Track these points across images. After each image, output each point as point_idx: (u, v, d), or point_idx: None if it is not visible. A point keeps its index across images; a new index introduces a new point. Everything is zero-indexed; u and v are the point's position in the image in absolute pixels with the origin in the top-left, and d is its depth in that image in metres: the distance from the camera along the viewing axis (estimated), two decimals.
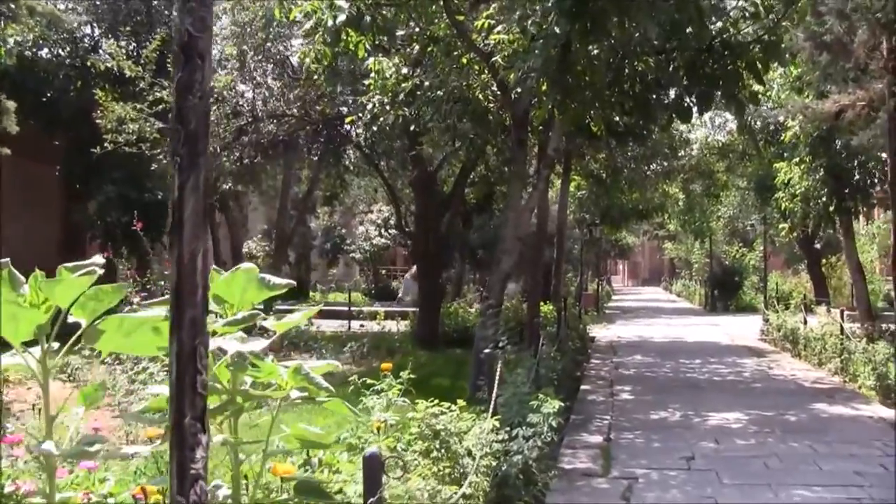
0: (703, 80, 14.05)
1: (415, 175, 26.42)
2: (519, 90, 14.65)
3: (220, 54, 23.87)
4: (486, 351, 9.83)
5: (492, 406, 8.96)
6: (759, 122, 41.73)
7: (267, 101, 24.90)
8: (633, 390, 18.53)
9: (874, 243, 45.27)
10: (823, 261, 42.78)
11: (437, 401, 8.75)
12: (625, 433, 13.64)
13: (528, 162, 19.58)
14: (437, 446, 7.70)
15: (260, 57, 24.02)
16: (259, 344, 4.60)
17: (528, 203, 16.35)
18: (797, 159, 27.83)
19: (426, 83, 15.80)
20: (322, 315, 33.14)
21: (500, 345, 12.99)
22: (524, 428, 9.24)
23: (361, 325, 31.03)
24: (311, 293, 50.56)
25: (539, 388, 11.96)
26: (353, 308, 34.45)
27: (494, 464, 8.26)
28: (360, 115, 18.62)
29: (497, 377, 9.39)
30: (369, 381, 9.17)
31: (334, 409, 5.33)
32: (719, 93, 14.39)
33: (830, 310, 28.83)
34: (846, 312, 24.12)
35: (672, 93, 15.44)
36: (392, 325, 29.37)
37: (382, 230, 50.79)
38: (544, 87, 13.74)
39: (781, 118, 37.57)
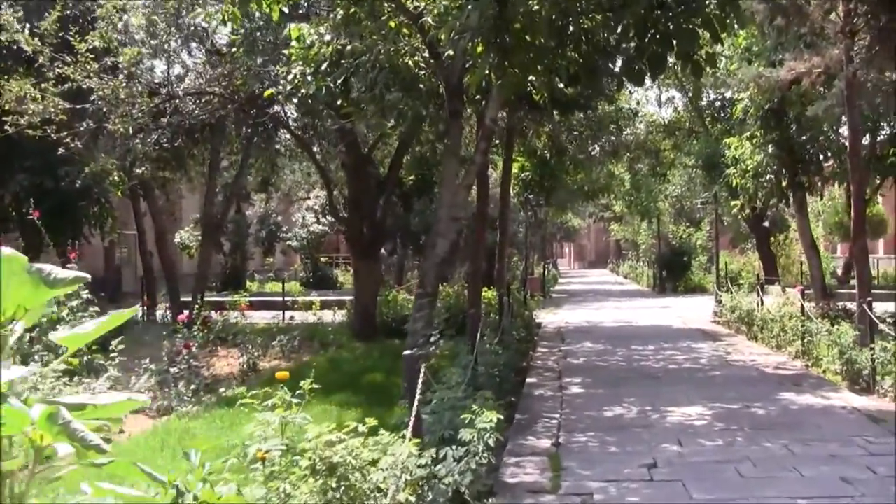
0: (656, 39, 12.54)
1: (347, 156, 24.88)
2: (451, 53, 13.18)
3: (124, 24, 22.07)
4: (407, 353, 8.17)
5: (412, 421, 7.36)
6: (706, 98, 41.07)
7: (183, 77, 23.22)
8: (583, 383, 17.00)
9: (818, 220, 44.65)
10: (772, 239, 41.69)
11: (348, 424, 7.03)
12: (576, 435, 12.07)
13: (465, 136, 18.21)
14: (335, 484, 6.06)
15: (173, 28, 22.24)
16: (14, 372, 2.91)
17: (465, 180, 14.80)
18: (748, 134, 26.60)
19: (348, 48, 14.20)
20: (256, 306, 31.77)
21: (432, 339, 11.48)
22: (454, 448, 7.66)
23: (291, 318, 29.48)
24: (247, 283, 48.92)
25: (477, 388, 10.50)
26: (287, 298, 32.83)
27: (413, 500, 6.63)
28: (280, 88, 17.00)
29: (419, 385, 7.77)
30: (263, 391, 7.34)
31: (121, 475, 3.61)
32: (673, 54, 12.88)
33: (785, 289, 27.67)
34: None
35: (622, 54, 13.91)
36: (329, 316, 27.95)
37: (320, 216, 49.15)
38: (480, 49, 12.22)
39: (730, 93, 36.97)
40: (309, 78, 14.97)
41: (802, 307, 20.01)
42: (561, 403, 14.62)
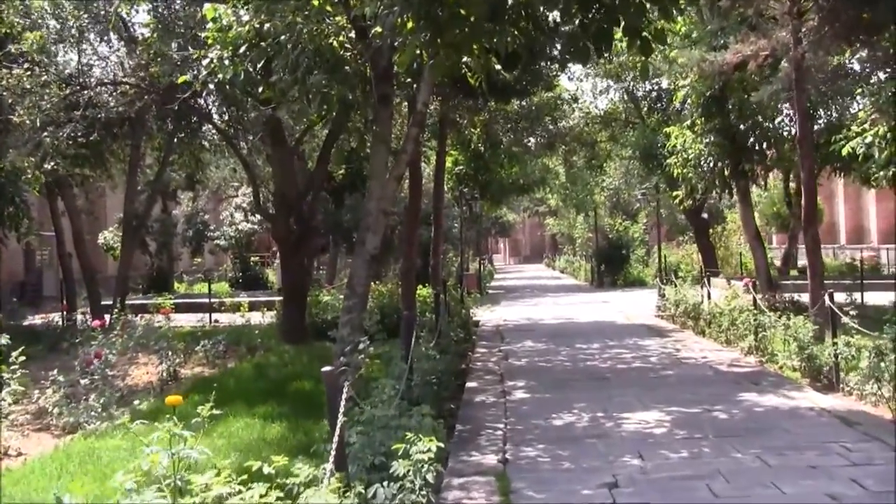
0: (601, 13, 11.42)
1: (273, 149, 23.61)
2: (378, 30, 11.98)
3: (25, 8, 20.66)
4: (327, 369, 6.87)
5: (333, 451, 6.11)
6: (642, 89, 40.35)
7: (95, 66, 21.87)
8: (527, 386, 15.81)
9: (755, 210, 44.11)
10: (710, 231, 41.04)
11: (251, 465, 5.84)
12: (524, 449, 10.82)
13: (396, 124, 17.04)
14: None
15: (81, 12, 20.84)
16: None
17: (395, 171, 13.59)
18: (688, 122, 25.75)
19: (266, 27, 12.93)
20: (182, 309, 30.50)
21: (361, 346, 10.28)
22: (386, 484, 6.40)
23: (216, 321, 28.21)
24: (175, 285, 47.44)
25: (413, 402, 9.34)
26: (214, 300, 31.52)
27: None
28: (195, 74, 15.69)
29: (342, 406, 6.51)
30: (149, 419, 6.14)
31: None
32: (620, 29, 11.76)
33: (730, 281, 26.80)
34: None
35: (565, 30, 12.79)
36: (258, 317, 26.74)
37: (248, 214, 47.75)
38: (409, 26, 11.03)
39: (667, 83, 36.21)
40: (226, 62, 13.66)
41: (755, 300, 19.08)
42: (505, 411, 13.41)
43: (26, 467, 10.83)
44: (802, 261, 44.15)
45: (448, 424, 12.34)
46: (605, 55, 29.93)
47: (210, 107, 26.19)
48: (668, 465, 9.82)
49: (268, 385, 16.08)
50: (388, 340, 16.39)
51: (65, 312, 28.49)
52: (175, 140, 27.78)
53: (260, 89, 15.23)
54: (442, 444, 7.34)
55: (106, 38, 23.25)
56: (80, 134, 23.01)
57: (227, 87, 14.99)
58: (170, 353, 18.26)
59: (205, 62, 14.16)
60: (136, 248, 44.71)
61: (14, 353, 14.25)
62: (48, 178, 25.25)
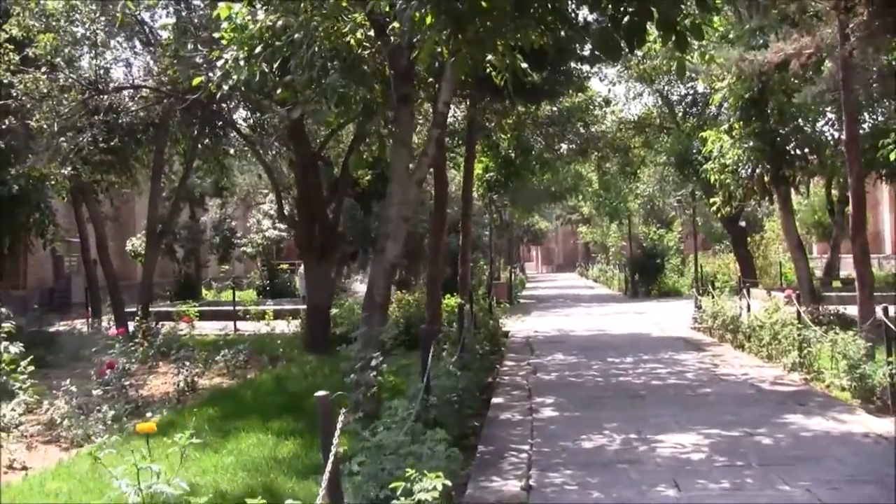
0: (633, 5, 10.57)
1: (296, 154, 22.90)
2: (396, 25, 11.23)
3: (41, 10, 20.05)
4: (320, 393, 5.93)
5: (322, 489, 5.27)
6: (677, 93, 39.49)
7: (110, 69, 21.24)
8: (556, 403, 14.89)
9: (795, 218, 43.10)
10: (748, 239, 40.11)
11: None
12: (550, 475, 9.95)
13: (418, 125, 16.27)
14: None
15: (98, 14, 20.22)
16: None
17: (416, 174, 12.80)
18: (726, 126, 24.86)
19: (279, 23, 12.17)
20: (207, 316, 29.89)
21: (373, 363, 9.48)
22: None
23: (236, 330, 27.59)
24: (203, 292, 46.91)
25: (429, 423, 8.53)
26: (238, 307, 30.84)
27: None
28: (210, 75, 14.95)
29: (335, 437, 5.66)
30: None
31: None
32: (654, 23, 10.89)
33: (770, 292, 25.85)
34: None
35: (594, 25, 11.96)
36: (283, 326, 26.08)
37: (276, 221, 47.08)
38: (429, 20, 10.25)
39: (702, 87, 35.35)
40: (241, 63, 12.89)
41: (799, 313, 18.06)
42: (531, 431, 12.54)
43: (26, 482, 10.32)
44: (845, 271, 43.36)
45: (470, 444, 11.58)
46: (637, 52, 29.12)
47: (233, 112, 25.68)
48: (708, 496, 8.91)
49: (286, 398, 15.38)
50: (413, 352, 15.63)
51: (89, 319, 28.02)
52: (199, 146, 27.22)
53: (278, 90, 14.55)
54: (449, 482, 6.46)
55: (122, 40, 22.66)
56: (101, 139, 22.49)
57: (243, 88, 14.25)
58: (187, 363, 17.62)
59: (219, 63, 13.39)
60: (161, 255, 44.46)
61: (24, 363, 13.79)
62: (71, 184, 24.73)
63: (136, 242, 44.01)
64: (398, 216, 12.61)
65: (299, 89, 12.68)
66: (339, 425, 5.73)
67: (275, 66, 12.79)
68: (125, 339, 19.00)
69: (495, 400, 15.24)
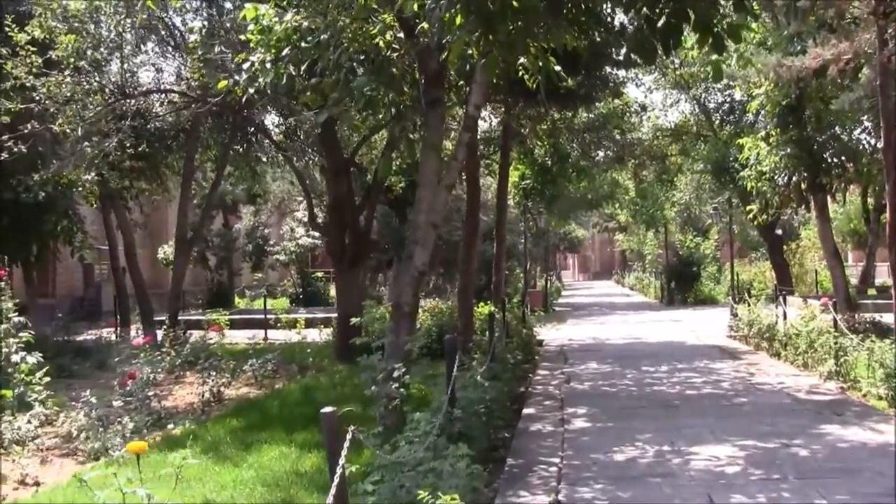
0: (669, 6, 10.29)
1: (327, 159, 22.70)
2: (425, 26, 10.98)
3: (63, 10, 19.88)
4: (326, 410, 5.58)
5: None
6: (714, 101, 39.17)
7: (135, 72, 21.08)
8: (588, 414, 14.55)
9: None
10: (784, 247, 39.69)
11: None
12: (580, 489, 9.60)
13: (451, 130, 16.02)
14: None
15: (122, 15, 20.07)
16: None
17: (445, 179, 12.52)
18: (763, 133, 24.53)
19: (305, 24, 11.95)
20: (238, 325, 29.77)
21: (395, 374, 9.22)
22: None
23: (264, 339, 27.50)
24: (236, 300, 46.82)
25: (453, 438, 8.27)
26: (269, 316, 30.66)
27: None
28: (236, 78, 14.75)
29: (342, 458, 5.35)
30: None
31: None
32: (690, 24, 10.59)
33: (806, 300, 25.44)
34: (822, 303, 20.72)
35: (630, 27, 11.66)
36: (314, 334, 25.85)
37: (309, 229, 46.93)
38: (458, 20, 10.00)
39: (739, 95, 35.02)
40: (268, 65, 12.68)
41: (835, 321, 17.68)
42: (562, 443, 12.22)
43: (35, 497, 10.15)
44: (879, 279, 42.85)
45: (499, 457, 11.31)
46: (675, 58, 28.76)
47: (264, 117, 25.53)
48: None
49: (312, 409, 14.93)
50: (444, 362, 15.29)
51: (117, 329, 27.90)
52: (230, 152, 27.03)
53: (305, 93, 14.32)
54: None
55: (151, 44, 22.53)
56: (129, 145, 22.33)
57: (269, 92, 14.03)
58: (212, 374, 17.40)
59: (245, 66, 13.18)
60: (194, 263, 44.41)
61: (39, 373, 13.58)
62: (98, 191, 24.62)
63: (167, 250, 43.94)
64: (427, 223, 12.34)
65: (327, 92, 12.45)
66: (346, 443, 5.44)
67: (302, 68, 12.56)
68: (152, 348, 18.87)
69: (527, 410, 14.94)
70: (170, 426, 14.10)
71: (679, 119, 42.97)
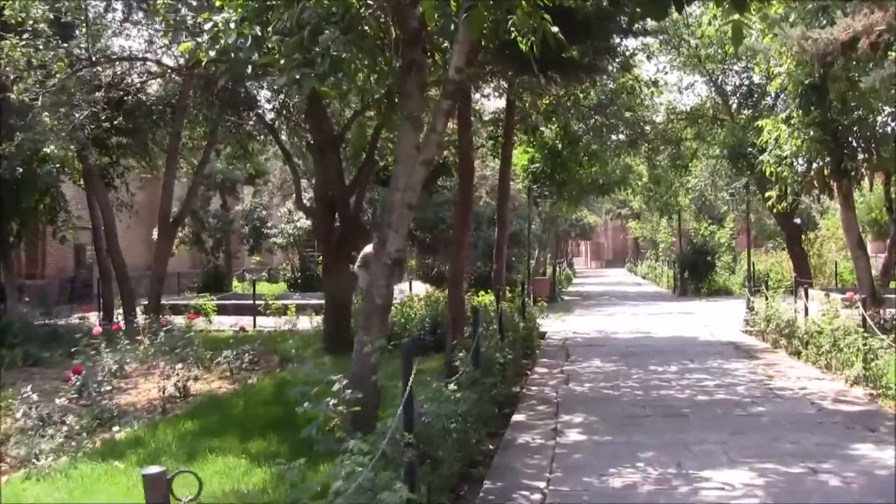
0: None
1: (314, 137, 21.11)
2: None
3: None
4: (151, 471, 3.98)
5: None
6: (731, 83, 37.71)
7: (98, 36, 19.56)
8: (585, 424, 12.88)
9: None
10: (802, 237, 38.13)
11: None
12: None
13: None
14: None
15: None
16: None
17: (423, 154, 10.87)
18: (784, 115, 22.91)
19: None
20: (228, 311, 28.40)
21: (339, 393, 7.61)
22: None
23: (256, 327, 26.02)
24: (234, 283, 45.34)
25: (408, 464, 6.67)
26: (259, 302, 29.14)
27: None
28: (198, 40, 13.16)
29: None
30: None
31: None
32: None
33: (828, 294, 23.82)
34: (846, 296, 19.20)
35: None
36: (306, 322, 24.44)
37: None
38: None
39: (758, 78, 33.45)
40: (232, 25, 11.03)
41: (864, 319, 15.98)
42: (552, 460, 10.53)
43: None
44: None
45: (477, 476, 9.72)
46: (688, 32, 27.10)
47: (255, 91, 24.11)
48: None
49: (281, 409, 13.35)
50: (440, 354, 13.69)
51: (100, 313, 26.56)
52: (219, 128, 25.53)
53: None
54: None
55: (116, 4, 21.06)
56: (104, 118, 20.92)
57: (233, 54, 12.38)
58: (179, 366, 15.97)
59: (207, 26, 11.55)
60: (187, 245, 43.04)
61: None
62: (82, 168, 23.32)
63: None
64: (402, 203, 10.71)
65: (288, 53, 10.80)
66: None
67: (269, 29, 10.94)
68: (124, 335, 17.51)
69: (516, 417, 13.30)
70: (115, 429, 12.58)
71: (695, 103, 41.46)
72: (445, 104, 10.82)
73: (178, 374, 15.58)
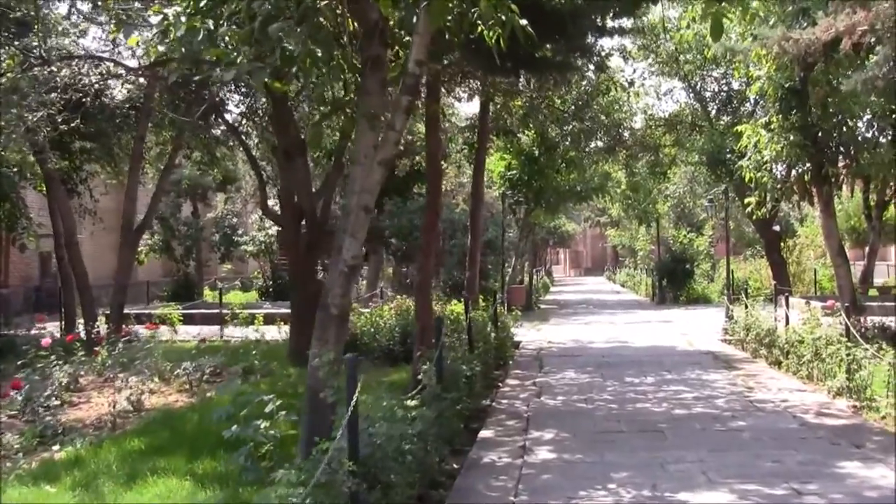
0: None
1: (278, 138, 20.41)
2: None
3: None
4: None
5: None
6: (710, 89, 37.41)
7: (50, 33, 18.88)
8: (556, 441, 12.18)
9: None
10: (781, 244, 37.74)
11: None
12: None
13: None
14: None
15: None
16: None
17: (380, 153, 10.17)
18: (763, 120, 22.39)
19: None
20: (196, 320, 27.72)
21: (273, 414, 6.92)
22: None
23: (222, 337, 25.31)
24: (206, 292, 44.59)
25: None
26: (225, 311, 28.42)
27: None
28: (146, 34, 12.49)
29: None
30: None
31: None
32: None
33: (809, 302, 23.31)
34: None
35: None
36: (274, 332, 23.78)
37: None
38: None
39: (737, 84, 33.03)
40: (183, 18, 10.30)
41: (847, 328, 15.37)
42: (517, 482, 9.82)
43: None
44: (878, 279, 40.90)
45: (437, 499, 9.05)
46: (665, 37, 26.60)
47: (223, 93, 23.49)
48: None
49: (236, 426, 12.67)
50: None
51: (61, 323, 25.79)
52: (184, 132, 24.83)
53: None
54: None
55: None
56: (61, 120, 20.23)
57: (183, 49, 11.67)
58: (131, 379, 15.31)
59: (155, 20, 10.83)
60: (158, 253, 42.34)
61: None
62: (43, 172, 22.64)
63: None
64: (358, 206, 10.00)
65: (237, 44, 10.10)
66: None
67: (221, 21, 10.23)
68: (81, 346, 16.90)
69: (484, 433, 12.62)
70: (55, 448, 11.85)
71: (673, 109, 41.14)
72: (405, 100, 10.11)
73: (131, 388, 14.89)
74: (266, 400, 7.12)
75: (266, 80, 10.01)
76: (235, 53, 10.02)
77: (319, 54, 10.08)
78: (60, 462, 11.05)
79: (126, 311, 24.59)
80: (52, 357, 14.96)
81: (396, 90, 10.57)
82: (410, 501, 8.39)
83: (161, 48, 11.25)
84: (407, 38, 11.78)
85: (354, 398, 6.64)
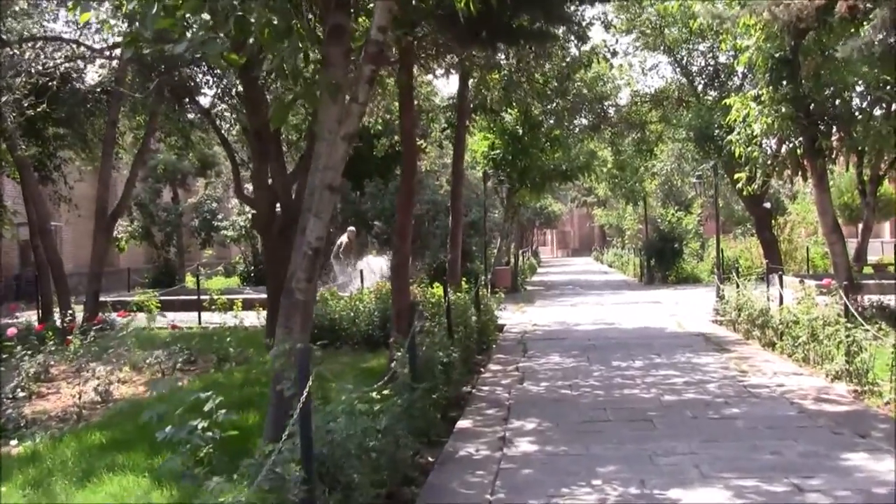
0: None
1: (249, 118, 19.67)
2: None
3: None
4: None
5: None
6: (697, 64, 36.86)
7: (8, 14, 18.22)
8: (538, 431, 11.47)
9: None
10: (772, 222, 37.17)
11: None
12: None
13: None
14: None
15: None
16: None
17: (343, 128, 9.42)
18: (753, 93, 21.69)
19: None
20: (174, 307, 27.12)
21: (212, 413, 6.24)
22: None
23: (201, 323, 24.64)
24: (187, 278, 43.81)
25: None
26: (203, 297, 27.72)
27: None
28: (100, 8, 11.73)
29: None
30: None
31: None
32: None
33: (803, 281, 22.67)
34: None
35: None
36: (253, 318, 23.30)
37: None
38: None
39: (724, 58, 32.38)
40: None
41: (847, 308, 14.67)
42: (495, 478, 9.11)
43: None
44: (872, 256, 40.38)
45: (408, 496, 8.35)
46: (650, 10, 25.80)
47: (196, 76, 22.83)
48: None
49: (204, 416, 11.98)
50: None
51: (39, 312, 25.14)
52: (157, 115, 24.19)
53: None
54: None
55: None
56: (27, 105, 19.58)
57: (137, 23, 10.90)
58: (98, 369, 14.77)
59: None
60: (139, 240, 41.66)
61: None
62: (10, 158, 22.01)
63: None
64: (322, 184, 9.29)
65: (187, 13, 9.35)
66: None
67: None
68: (54, 335, 16.46)
69: (461, 423, 11.91)
70: (13, 442, 11.23)
71: (659, 85, 40.49)
72: (367, 69, 9.37)
73: (98, 378, 14.30)
74: (203, 398, 6.37)
75: (223, 53, 9.33)
76: (190, 25, 9.33)
77: (276, 23, 9.29)
78: (17, 458, 10.43)
79: (105, 298, 24.12)
80: (19, 347, 14.33)
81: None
82: (377, 501, 7.69)
83: (113, 22, 10.44)
84: (371, 4, 11.11)
85: (305, 392, 5.91)
